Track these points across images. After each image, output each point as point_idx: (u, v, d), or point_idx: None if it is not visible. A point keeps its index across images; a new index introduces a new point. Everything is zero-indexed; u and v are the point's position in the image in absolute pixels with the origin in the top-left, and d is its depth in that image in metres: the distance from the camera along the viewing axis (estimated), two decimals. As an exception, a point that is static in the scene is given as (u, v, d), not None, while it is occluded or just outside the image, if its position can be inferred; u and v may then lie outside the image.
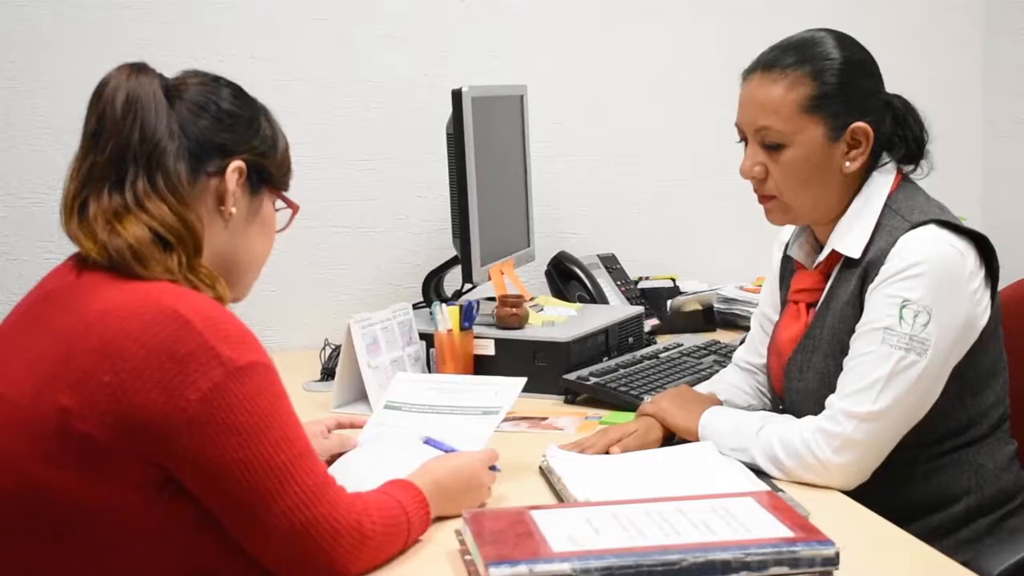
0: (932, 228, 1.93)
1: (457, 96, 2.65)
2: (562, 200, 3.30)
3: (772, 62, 2.00)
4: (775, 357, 2.13)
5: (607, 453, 2.05)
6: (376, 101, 3.10)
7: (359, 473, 1.92)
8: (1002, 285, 2.15)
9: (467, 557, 1.57)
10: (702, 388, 2.28)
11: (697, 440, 2.04)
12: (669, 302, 3.12)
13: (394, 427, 2.09)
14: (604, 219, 3.33)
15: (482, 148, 2.70)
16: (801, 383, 2.04)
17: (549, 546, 1.46)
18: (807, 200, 2.02)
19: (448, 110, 2.68)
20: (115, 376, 1.44)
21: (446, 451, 1.91)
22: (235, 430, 1.45)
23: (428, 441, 1.96)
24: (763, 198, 2.05)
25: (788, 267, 2.18)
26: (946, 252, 1.91)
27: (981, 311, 1.95)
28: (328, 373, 2.68)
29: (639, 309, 2.90)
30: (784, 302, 2.16)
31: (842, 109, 1.97)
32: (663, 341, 2.87)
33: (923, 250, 1.90)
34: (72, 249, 1.59)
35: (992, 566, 1.92)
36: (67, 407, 1.45)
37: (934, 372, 1.90)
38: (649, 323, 2.98)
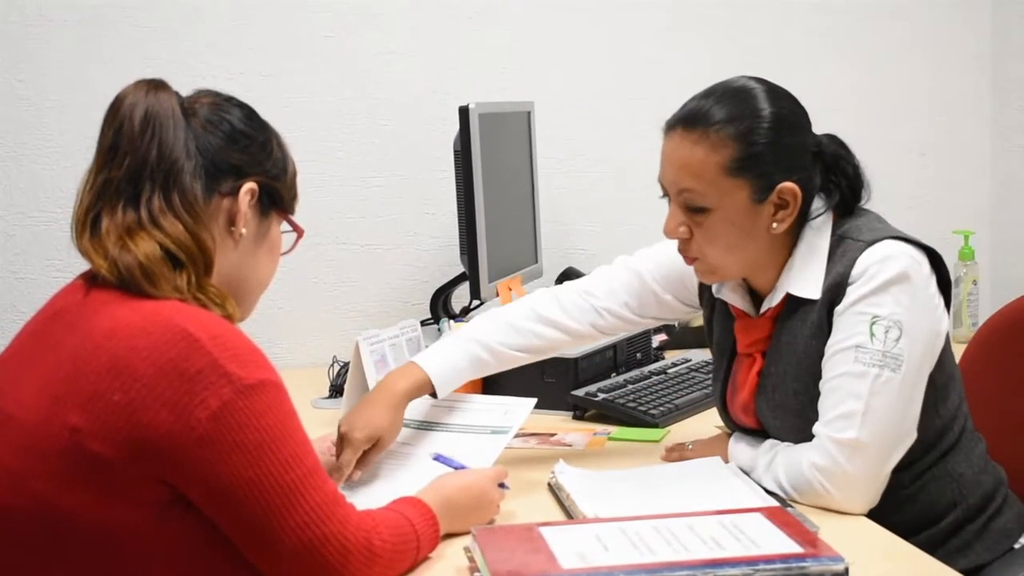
0: (888, 243, 1.90)
1: (464, 113, 2.66)
2: (570, 216, 3.30)
3: (695, 119, 1.90)
4: (740, 405, 2.06)
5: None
6: (384, 118, 3.11)
7: (367, 490, 1.92)
8: (1011, 298, 2.15)
9: (476, 574, 1.57)
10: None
11: None
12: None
13: (401, 444, 2.09)
14: (612, 235, 3.33)
15: (489, 164, 2.70)
16: (776, 421, 1.99)
17: (558, 563, 1.46)
18: (733, 261, 1.95)
19: (455, 126, 2.69)
20: (125, 395, 1.44)
21: (455, 468, 1.91)
22: (244, 448, 1.45)
23: (437, 458, 1.96)
24: (688, 259, 1.97)
25: (717, 303, 2.09)
26: (907, 264, 1.88)
27: (941, 316, 1.94)
28: (336, 390, 2.68)
29: (647, 325, 2.90)
30: (729, 350, 2.08)
31: (768, 169, 1.89)
32: (671, 356, 2.87)
33: (885, 265, 1.87)
34: (81, 267, 1.60)
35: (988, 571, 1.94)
36: (77, 426, 1.45)
37: (911, 385, 1.88)
38: (657, 339, 2.98)
